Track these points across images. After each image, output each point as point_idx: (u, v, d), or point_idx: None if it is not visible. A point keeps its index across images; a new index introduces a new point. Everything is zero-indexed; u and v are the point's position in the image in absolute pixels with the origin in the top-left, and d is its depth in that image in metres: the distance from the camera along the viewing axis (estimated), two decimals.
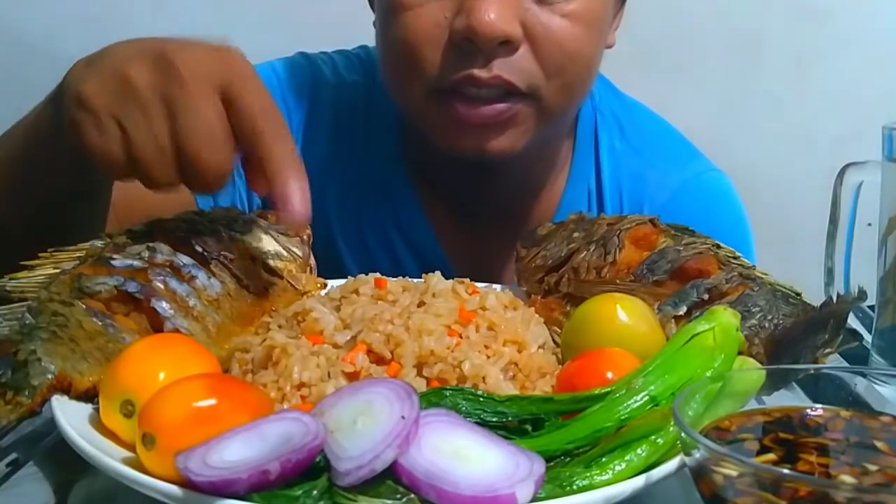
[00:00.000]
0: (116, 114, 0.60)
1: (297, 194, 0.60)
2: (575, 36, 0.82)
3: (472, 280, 0.68)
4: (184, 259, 0.64)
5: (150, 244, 0.65)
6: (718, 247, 0.71)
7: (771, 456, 0.43)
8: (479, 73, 0.79)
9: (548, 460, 0.46)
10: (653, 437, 0.47)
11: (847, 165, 0.76)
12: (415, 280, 0.68)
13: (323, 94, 0.98)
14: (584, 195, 0.99)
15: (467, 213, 0.98)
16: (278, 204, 0.61)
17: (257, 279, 0.67)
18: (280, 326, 0.63)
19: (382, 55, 0.88)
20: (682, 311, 0.65)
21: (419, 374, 0.57)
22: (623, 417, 0.49)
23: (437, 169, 0.96)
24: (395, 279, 0.68)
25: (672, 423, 0.47)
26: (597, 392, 0.51)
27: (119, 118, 0.60)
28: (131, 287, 0.61)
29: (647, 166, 0.99)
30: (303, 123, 0.97)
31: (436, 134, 0.86)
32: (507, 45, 0.79)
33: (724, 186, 1.02)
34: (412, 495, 0.43)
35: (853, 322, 0.73)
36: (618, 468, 0.46)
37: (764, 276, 0.68)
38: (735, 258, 0.70)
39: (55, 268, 0.63)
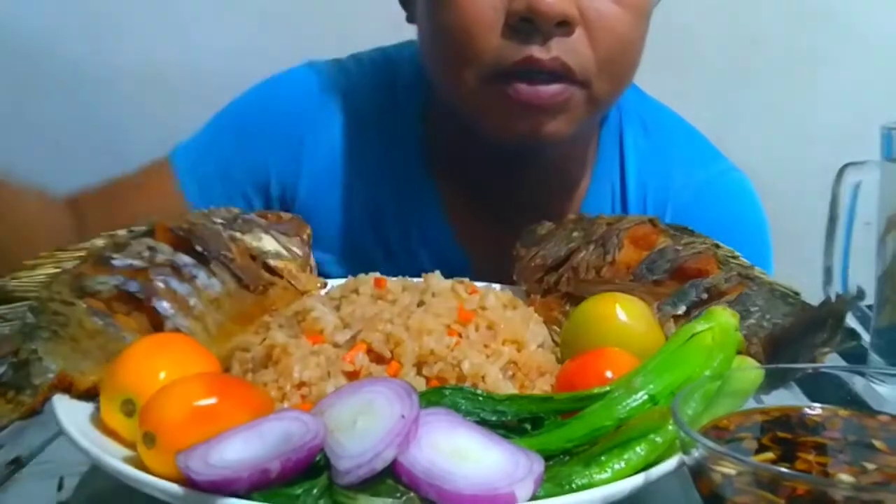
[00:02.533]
0: None
1: None
2: (626, 22, 0.83)
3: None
4: (184, 259, 0.65)
5: (151, 244, 0.65)
6: (717, 246, 0.71)
7: (769, 455, 0.43)
8: (539, 54, 0.80)
9: (547, 459, 0.46)
10: (652, 436, 0.47)
11: (846, 165, 0.76)
12: (415, 280, 0.68)
13: (347, 99, 0.98)
14: (608, 194, 0.98)
15: (490, 213, 0.97)
16: None
17: (257, 279, 0.68)
18: (280, 326, 0.63)
19: (432, 44, 0.88)
20: (681, 310, 0.65)
21: (419, 373, 0.57)
22: (622, 416, 0.49)
23: (463, 167, 0.96)
24: (394, 279, 0.68)
25: (671, 421, 0.47)
26: (596, 391, 0.51)
27: None
28: (132, 286, 0.61)
29: (670, 165, 0.99)
30: (339, 125, 0.97)
31: (489, 119, 0.85)
32: (564, 27, 0.80)
33: (747, 187, 1.02)
34: (412, 494, 0.43)
35: (851, 321, 0.73)
36: (617, 467, 0.46)
37: (763, 276, 0.68)
38: (734, 257, 0.70)
39: (56, 267, 0.64)
